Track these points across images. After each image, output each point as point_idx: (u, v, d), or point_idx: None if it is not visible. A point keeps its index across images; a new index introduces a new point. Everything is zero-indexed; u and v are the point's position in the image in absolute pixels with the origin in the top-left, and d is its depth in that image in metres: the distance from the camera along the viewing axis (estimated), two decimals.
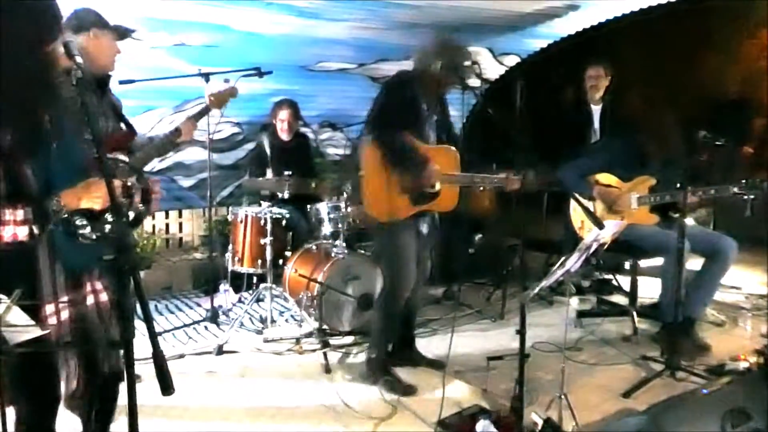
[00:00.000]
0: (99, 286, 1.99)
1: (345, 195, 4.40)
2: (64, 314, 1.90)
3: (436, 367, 3.58)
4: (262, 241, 4.32)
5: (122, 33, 3.01)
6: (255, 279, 4.65)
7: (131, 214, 1.97)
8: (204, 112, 3.37)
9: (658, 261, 4.03)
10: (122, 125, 3.03)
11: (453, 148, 3.45)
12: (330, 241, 4.37)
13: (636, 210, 3.92)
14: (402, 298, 3.45)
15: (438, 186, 3.36)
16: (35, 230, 1.75)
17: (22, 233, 1.75)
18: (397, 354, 3.64)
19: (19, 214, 1.74)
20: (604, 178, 4.01)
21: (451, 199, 3.43)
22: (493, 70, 6.30)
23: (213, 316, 4.39)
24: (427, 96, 3.40)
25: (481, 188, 3.54)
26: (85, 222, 1.79)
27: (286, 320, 4.45)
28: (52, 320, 1.86)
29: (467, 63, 3.40)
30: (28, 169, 1.77)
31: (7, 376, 1.72)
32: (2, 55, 1.73)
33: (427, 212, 3.48)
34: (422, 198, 3.36)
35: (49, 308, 1.86)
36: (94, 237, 1.79)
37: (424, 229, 3.53)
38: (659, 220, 3.96)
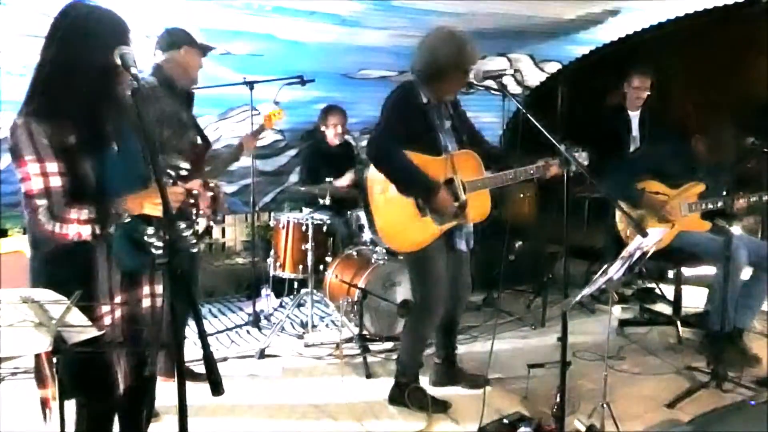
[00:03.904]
0: (155, 288, 2.03)
1: None
2: (119, 314, 1.94)
3: (477, 384, 3.35)
4: (304, 247, 4.37)
5: (205, 49, 3.30)
6: (296, 284, 4.71)
7: (201, 222, 2.01)
8: (261, 129, 3.90)
9: (703, 270, 3.96)
10: (199, 138, 3.27)
11: (472, 151, 3.14)
12: (370, 247, 4.40)
13: (687, 217, 3.86)
14: (434, 321, 3.20)
15: (464, 196, 3.07)
16: (97, 230, 1.79)
17: (86, 232, 1.80)
18: (439, 374, 3.45)
19: (84, 213, 1.79)
20: (652, 185, 3.94)
21: (482, 206, 3.13)
22: (534, 76, 6.27)
23: (255, 321, 4.47)
24: (436, 102, 3.11)
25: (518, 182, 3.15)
26: (153, 231, 1.81)
27: (327, 325, 4.50)
28: (107, 320, 1.91)
29: (475, 58, 2.99)
30: (90, 170, 1.82)
31: (66, 372, 1.78)
32: (74, 56, 1.82)
33: (460, 226, 3.18)
34: (448, 214, 3.06)
35: (105, 308, 1.90)
36: (160, 245, 1.78)
37: (461, 245, 3.22)
38: (711, 227, 3.88)
